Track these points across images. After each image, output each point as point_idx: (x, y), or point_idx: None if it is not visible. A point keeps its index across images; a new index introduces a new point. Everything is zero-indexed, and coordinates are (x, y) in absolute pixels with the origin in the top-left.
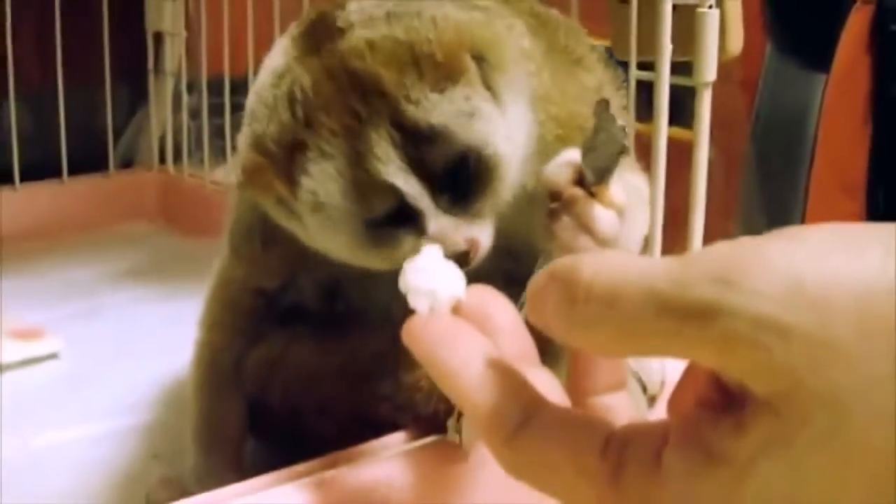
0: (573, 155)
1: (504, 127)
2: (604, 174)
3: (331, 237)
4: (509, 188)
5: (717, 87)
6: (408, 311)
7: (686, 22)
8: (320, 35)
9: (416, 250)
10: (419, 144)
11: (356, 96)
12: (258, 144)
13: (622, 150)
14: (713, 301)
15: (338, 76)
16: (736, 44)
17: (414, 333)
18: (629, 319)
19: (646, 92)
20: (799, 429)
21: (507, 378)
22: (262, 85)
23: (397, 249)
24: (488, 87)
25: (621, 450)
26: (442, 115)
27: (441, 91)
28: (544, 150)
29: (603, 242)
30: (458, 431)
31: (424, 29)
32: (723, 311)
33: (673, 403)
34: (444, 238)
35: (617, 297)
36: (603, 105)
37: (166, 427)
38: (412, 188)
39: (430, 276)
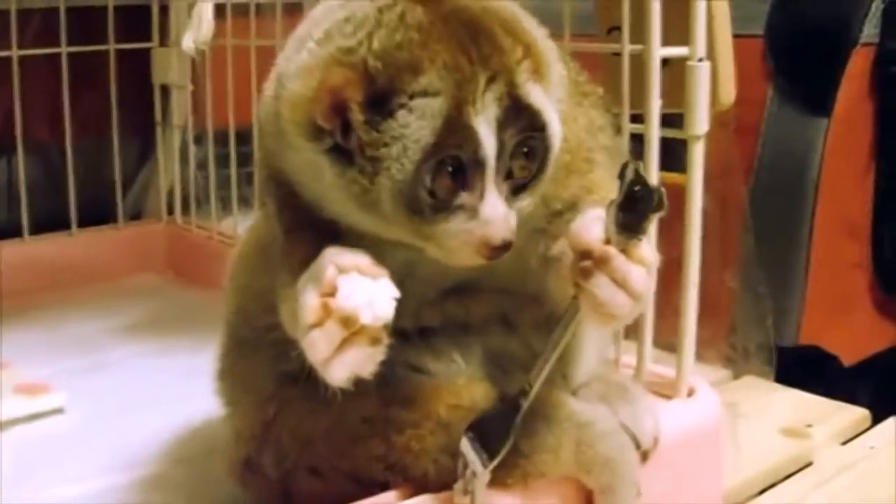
0: (599, 212)
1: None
2: (637, 232)
3: (385, 183)
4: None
5: (713, 134)
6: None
7: (677, 75)
8: None
9: (457, 234)
10: (517, 113)
11: (472, 41)
12: (349, 58)
13: (658, 209)
14: None
15: (451, 21)
16: (728, 95)
17: None
18: None
19: (639, 142)
20: None
21: None
22: (347, 10)
23: (440, 223)
24: None
25: None
26: (538, 101)
27: (535, 81)
28: (553, 175)
29: (637, 299)
30: (469, 492)
31: (521, 21)
32: None
33: None
34: (494, 224)
35: None
36: (634, 164)
37: (168, 482)
38: (489, 147)
39: (362, 292)
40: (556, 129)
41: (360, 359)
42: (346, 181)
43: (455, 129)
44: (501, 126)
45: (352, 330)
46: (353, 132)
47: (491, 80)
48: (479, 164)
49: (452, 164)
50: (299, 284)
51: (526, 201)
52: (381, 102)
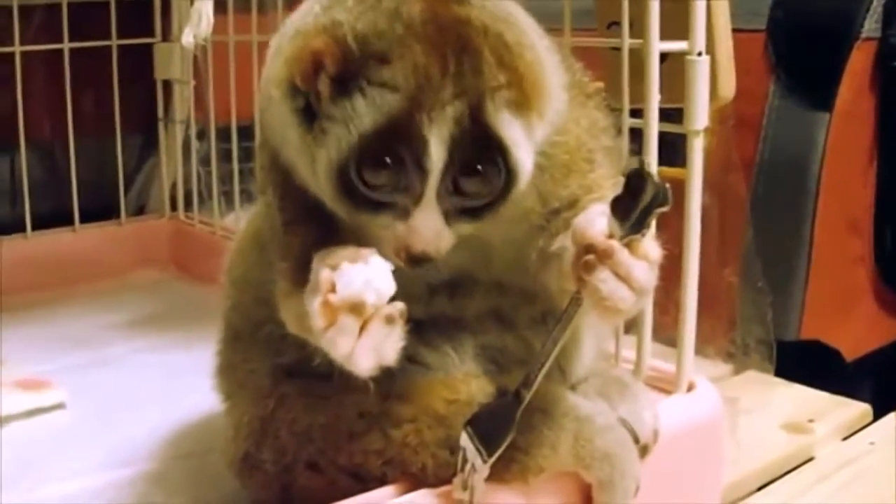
0: (603, 208)
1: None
2: (640, 227)
3: (326, 163)
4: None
5: (713, 129)
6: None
7: (676, 69)
8: None
9: (385, 226)
10: (474, 139)
11: (454, 54)
12: (335, 30)
13: (662, 205)
14: None
15: (446, 29)
16: (728, 89)
17: None
18: None
19: (640, 137)
20: None
21: None
22: None
23: (372, 217)
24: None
25: None
26: (506, 133)
27: (514, 113)
28: (551, 173)
29: (640, 293)
30: (468, 487)
31: (526, 48)
32: None
33: None
34: (420, 234)
35: None
36: (639, 161)
37: (169, 478)
38: (436, 159)
39: (357, 277)
40: (521, 164)
41: (380, 339)
42: (305, 145)
43: (399, 131)
44: (455, 144)
45: (364, 316)
46: (321, 99)
47: (456, 97)
48: (423, 172)
49: (392, 161)
50: (304, 298)
51: (472, 226)
52: (347, 81)
